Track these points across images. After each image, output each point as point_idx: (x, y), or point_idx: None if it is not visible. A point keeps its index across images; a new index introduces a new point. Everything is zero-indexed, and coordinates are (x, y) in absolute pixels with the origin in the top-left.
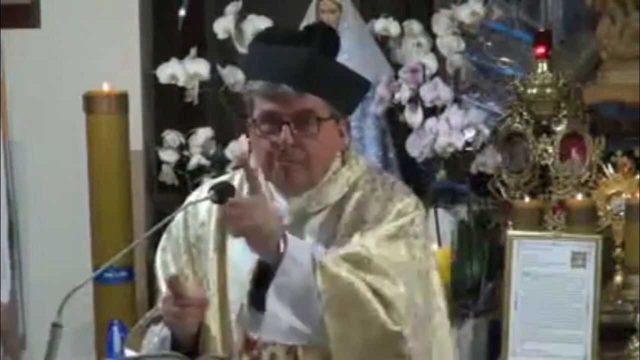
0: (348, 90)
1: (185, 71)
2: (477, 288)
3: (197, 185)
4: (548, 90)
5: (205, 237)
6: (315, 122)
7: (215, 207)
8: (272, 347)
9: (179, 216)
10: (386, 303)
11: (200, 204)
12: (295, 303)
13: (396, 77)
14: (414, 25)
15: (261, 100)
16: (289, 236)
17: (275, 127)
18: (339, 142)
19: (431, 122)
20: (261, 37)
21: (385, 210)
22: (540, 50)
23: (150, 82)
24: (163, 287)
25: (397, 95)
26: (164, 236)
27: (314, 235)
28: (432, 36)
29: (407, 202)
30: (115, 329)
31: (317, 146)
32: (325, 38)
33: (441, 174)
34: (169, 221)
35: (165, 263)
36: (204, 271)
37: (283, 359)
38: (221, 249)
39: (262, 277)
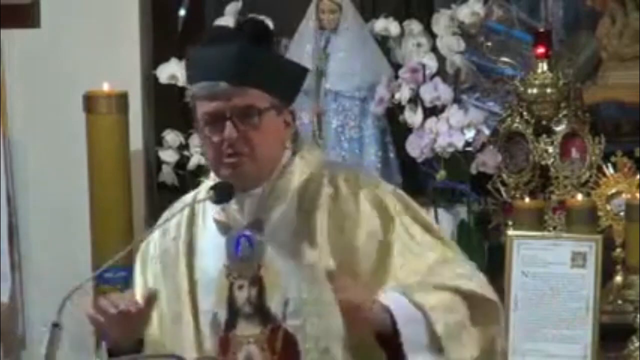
0: (285, 78)
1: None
2: None
3: (197, 186)
4: (548, 90)
5: (172, 250)
6: (257, 114)
7: (184, 221)
8: (246, 346)
9: (153, 235)
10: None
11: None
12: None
13: (396, 77)
14: (414, 25)
15: (202, 103)
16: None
17: (219, 126)
18: (284, 132)
19: (431, 122)
20: (197, 41)
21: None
22: (540, 50)
23: (150, 82)
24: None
25: (397, 95)
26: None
27: (274, 228)
28: (432, 36)
29: (383, 193)
30: None
31: (261, 137)
32: (254, 30)
33: (441, 174)
34: (169, 221)
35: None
36: (174, 284)
37: (258, 357)
38: (191, 261)
39: None
